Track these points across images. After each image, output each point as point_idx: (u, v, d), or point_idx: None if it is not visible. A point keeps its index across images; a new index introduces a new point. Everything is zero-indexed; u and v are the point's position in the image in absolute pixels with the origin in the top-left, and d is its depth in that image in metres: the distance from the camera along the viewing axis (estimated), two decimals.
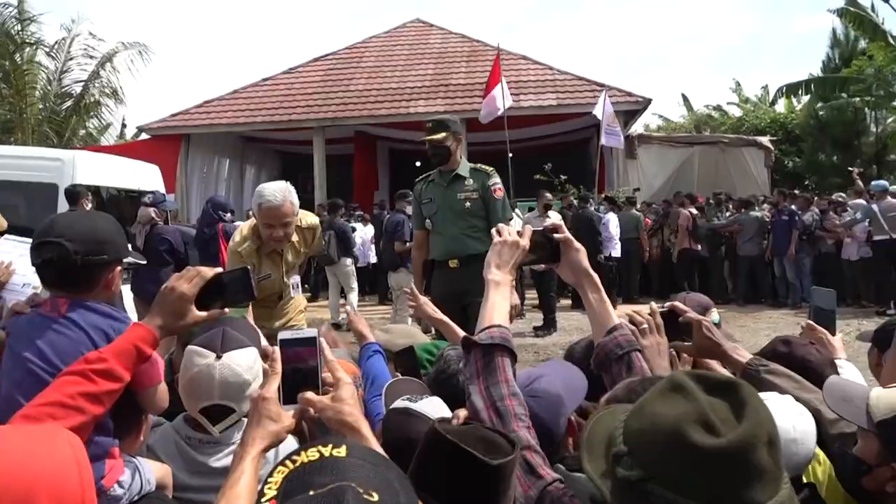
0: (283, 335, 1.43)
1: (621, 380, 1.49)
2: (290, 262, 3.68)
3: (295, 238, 3.62)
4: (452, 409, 1.63)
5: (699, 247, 11.73)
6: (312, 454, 0.92)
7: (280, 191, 3.38)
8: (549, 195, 10.62)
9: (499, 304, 1.56)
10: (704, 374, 1.01)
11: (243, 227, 3.63)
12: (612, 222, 11.34)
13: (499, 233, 1.68)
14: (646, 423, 0.98)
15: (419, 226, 4.63)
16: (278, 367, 1.36)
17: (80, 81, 19.17)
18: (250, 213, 3.96)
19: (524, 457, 1.30)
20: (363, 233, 12.30)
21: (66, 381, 1.55)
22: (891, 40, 16.79)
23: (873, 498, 1.54)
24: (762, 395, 1.20)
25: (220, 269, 1.77)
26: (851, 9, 16.93)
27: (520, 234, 1.68)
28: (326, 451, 0.92)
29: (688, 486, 0.90)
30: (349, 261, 10.21)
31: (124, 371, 1.61)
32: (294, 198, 3.44)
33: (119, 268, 1.91)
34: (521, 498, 1.26)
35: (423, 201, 4.57)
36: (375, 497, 0.81)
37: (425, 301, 3.07)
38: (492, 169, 4.47)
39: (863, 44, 18.38)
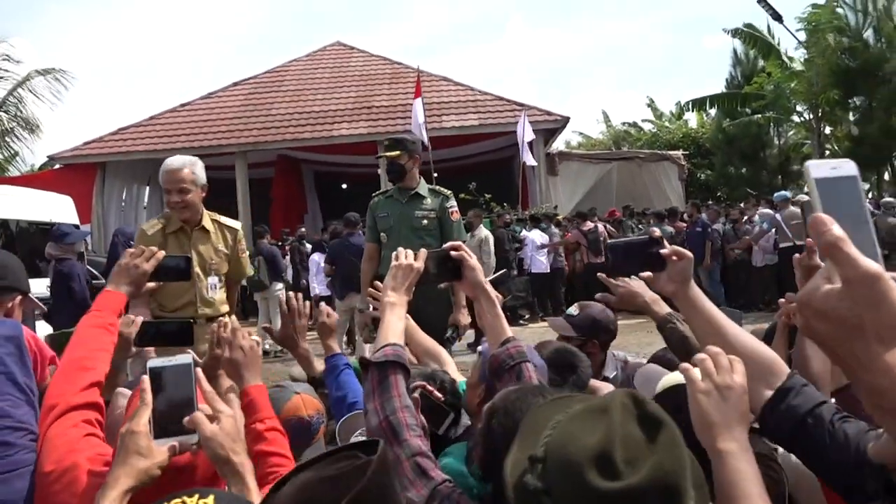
0: (152, 363, 1.34)
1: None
2: (204, 253, 3.61)
3: (211, 228, 3.66)
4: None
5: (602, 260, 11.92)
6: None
7: (181, 158, 3.59)
8: (476, 211, 10.77)
9: (394, 323, 1.65)
10: (644, 402, 1.01)
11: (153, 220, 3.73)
12: (535, 239, 11.63)
13: (396, 257, 1.78)
14: (561, 439, 1.00)
15: (372, 238, 4.67)
16: (148, 397, 1.27)
17: None
18: None
19: (416, 462, 1.39)
20: (319, 259, 11.77)
21: (97, 333, 1.79)
22: (784, 58, 17.91)
23: None
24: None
25: (163, 252, 2.07)
26: (746, 29, 18.00)
27: (416, 257, 1.78)
28: (192, 500, 0.89)
29: None
30: (279, 286, 10.09)
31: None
32: (198, 170, 3.58)
33: (18, 298, 1.95)
34: (416, 498, 1.34)
35: (378, 215, 4.63)
36: None
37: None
38: (450, 192, 4.60)
39: (762, 62, 19.51)
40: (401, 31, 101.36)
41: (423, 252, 1.81)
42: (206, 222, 3.65)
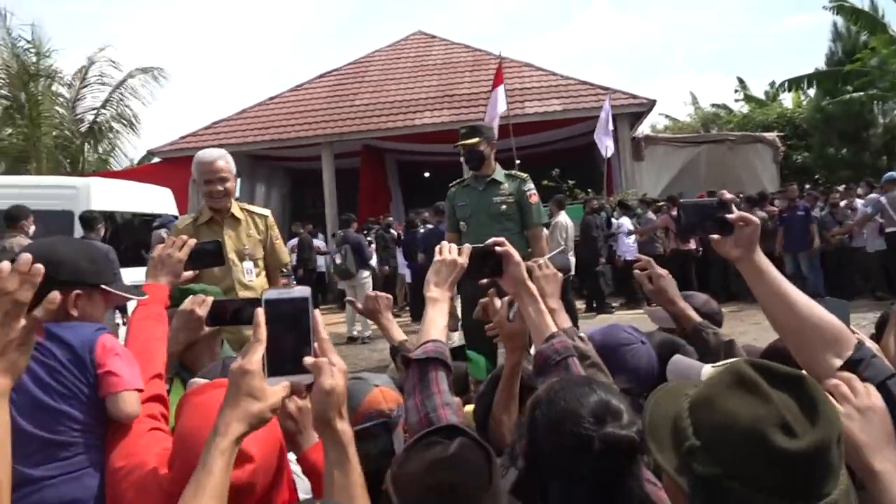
0: (268, 294, 1.21)
1: None
2: (236, 240, 3.72)
3: (241, 215, 3.77)
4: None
5: (693, 246, 11.58)
6: None
7: (215, 151, 3.71)
8: (558, 197, 10.68)
9: (436, 319, 1.65)
10: (767, 366, 1.03)
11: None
12: (626, 226, 11.50)
13: (439, 251, 1.78)
14: (720, 419, 1.00)
15: (452, 228, 4.74)
16: (262, 333, 1.14)
17: (94, 109, 19.51)
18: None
19: None
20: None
21: (149, 325, 1.84)
22: (891, 32, 16.78)
23: None
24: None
25: (194, 240, 2.16)
26: (848, 4, 16.94)
27: (459, 252, 1.77)
28: None
29: (768, 485, 0.94)
30: (366, 273, 10.31)
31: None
32: (230, 160, 3.71)
33: (77, 292, 1.77)
34: None
35: (457, 204, 4.68)
36: None
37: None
38: (526, 175, 4.62)
39: (864, 37, 18.36)
40: (482, 17, 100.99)
41: (466, 247, 1.79)
42: (236, 210, 3.77)
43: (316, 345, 1.20)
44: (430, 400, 1.49)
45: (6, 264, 1.18)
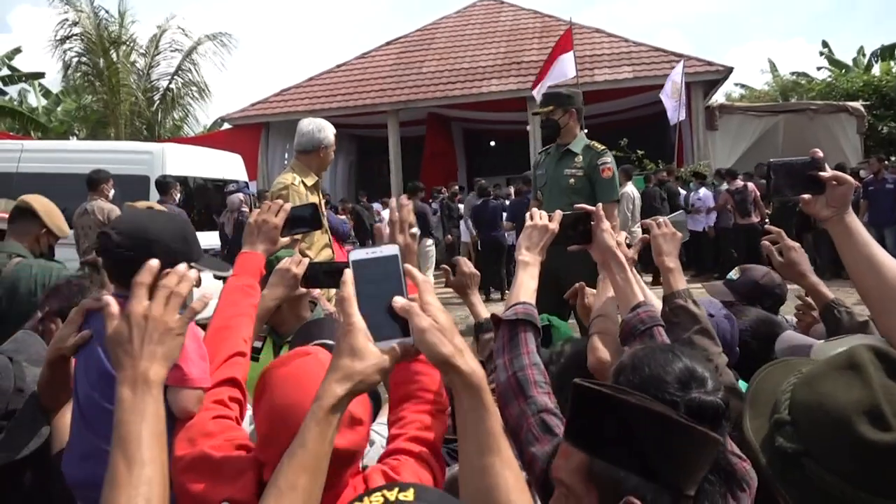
0: (355, 255, 1.14)
1: None
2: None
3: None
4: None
5: (757, 220, 11.10)
6: (376, 499, 0.85)
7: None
8: (624, 167, 10.47)
9: (526, 282, 1.67)
10: (889, 354, 0.98)
11: (287, 176, 3.91)
12: (706, 197, 11.39)
13: (531, 217, 1.80)
14: (814, 399, 0.97)
15: (534, 195, 4.71)
16: (348, 289, 1.08)
17: (167, 75, 20.09)
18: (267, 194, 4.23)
19: (542, 418, 1.42)
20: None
21: (239, 297, 1.74)
22: None
23: None
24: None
25: (289, 204, 2.01)
26: None
27: (550, 217, 1.79)
28: (392, 495, 0.86)
29: (846, 471, 0.91)
30: (429, 241, 10.38)
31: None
32: None
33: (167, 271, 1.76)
34: (539, 453, 1.37)
35: (538, 172, 4.62)
36: None
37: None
38: (604, 148, 4.38)
39: None
40: None
41: (557, 213, 1.81)
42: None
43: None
44: (519, 360, 1.51)
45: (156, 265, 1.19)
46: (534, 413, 1.43)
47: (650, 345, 1.49)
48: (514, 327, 1.57)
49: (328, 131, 3.94)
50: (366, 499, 0.86)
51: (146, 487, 1.01)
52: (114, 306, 1.14)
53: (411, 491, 0.86)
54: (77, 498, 1.80)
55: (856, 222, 1.53)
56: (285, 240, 1.97)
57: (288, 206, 1.99)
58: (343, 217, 10.43)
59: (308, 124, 3.98)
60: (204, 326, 1.71)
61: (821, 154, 1.66)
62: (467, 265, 2.48)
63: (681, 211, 9.00)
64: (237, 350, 1.63)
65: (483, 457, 1.05)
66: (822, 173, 1.57)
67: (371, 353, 1.03)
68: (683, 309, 1.75)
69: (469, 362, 1.06)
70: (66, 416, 1.89)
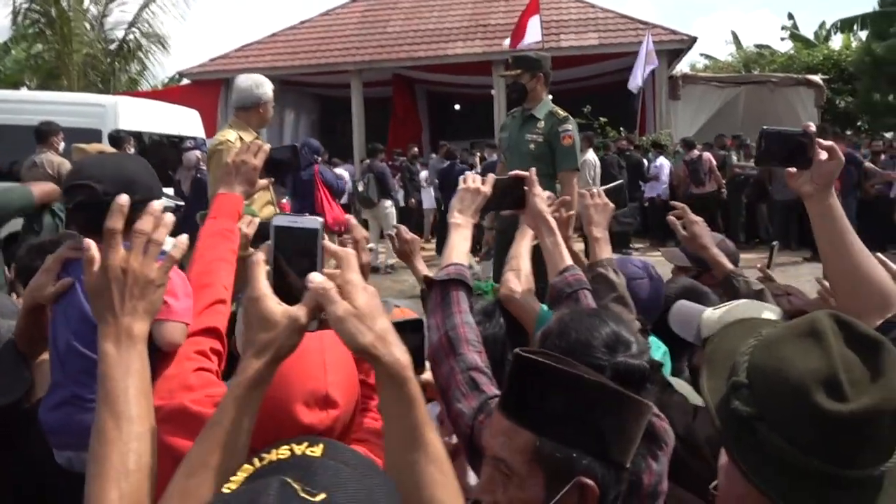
0: (277, 220, 1.08)
1: None
2: None
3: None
4: None
5: (714, 188, 11.24)
6: (283, 452, 0.81)
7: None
8: (585, 134, 10.51)
9: (458, 244, 1.71)
10: (850, 322, 0.97)
11: (227, 132, 3.80)
12: (666, 168, 11.60)
13: (464, 180, 1.82)
14: (772, 364, 0.96)
15: (500, 158, 4.72)
16: (260, 256, 1.01)
17: (122, 25, 19.41)
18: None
19: (470, 375, 1.44)
20: (425, 175, 12.49)
21: (215, 242, 1.66)
22: None
23: None
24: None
25: (269, 145, 1.96)
26: None
27: (483, 181, 1.81)
28: (299, 449, 0.82)
29: (799, 438, 0.91)
30: (388, 203, 10.31)
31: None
32: None
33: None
34: (465, 410, 1.39)
35: (502, 135, 4.59)
36: (320, 497, 0.71)
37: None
38: (566, 115, 4.28)
39: None
40: None
41: (490, 177, 1.84)
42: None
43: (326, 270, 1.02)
44: (450, 319, 1.53)
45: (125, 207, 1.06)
46: (463, 370, 1.44)
47: (576, 309, 1.53)
48: (446, 287, 1.59)
49: (266, 87, 3.86)
50: (273, 451, 0.82)
51: (136, 443, 0.99)
52: (94, 250, 1.06)
53: (320, 446, 0.82)
54: (52, 444, 1.82)
55: (836, 203, 1.51)
56: (263, 182, 1.92)
57: (267, 146, 1.94)
58: (339, 171, 10.22)
59: (245, 80, 3.88)
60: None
61: (813, 128, 1.65)
62: (406, 232, 2.54)
63: (620, 181, 9.13)
64: (218, 297, 1.56)
65: (406, 453, 0.97)
66: (821, 140, 1.55)
67: (281, 317, 0.96)
68: (603, 277, 1.84)
69: (393, 351, 0.95)
70: (43, 367, 1.90)
